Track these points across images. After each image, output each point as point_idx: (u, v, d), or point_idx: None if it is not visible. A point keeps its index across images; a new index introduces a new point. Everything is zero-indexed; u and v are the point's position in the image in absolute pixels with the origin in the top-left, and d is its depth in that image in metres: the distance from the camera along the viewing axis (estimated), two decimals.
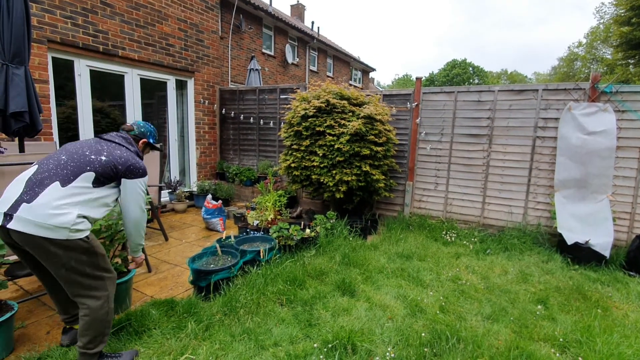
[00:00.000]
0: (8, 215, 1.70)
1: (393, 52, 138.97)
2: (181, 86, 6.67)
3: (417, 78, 5.32)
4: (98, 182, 1.88)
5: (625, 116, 4.04)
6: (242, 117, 6.88)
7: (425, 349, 2.19)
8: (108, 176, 1.91)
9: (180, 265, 3.66)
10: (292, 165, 4.74)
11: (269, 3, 15.36)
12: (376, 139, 4.47)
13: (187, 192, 6.54)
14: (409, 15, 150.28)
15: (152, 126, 2.39)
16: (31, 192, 1.74)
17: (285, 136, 4.97)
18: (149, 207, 3.90)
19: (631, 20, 18.17)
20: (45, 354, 2.10)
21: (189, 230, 4.99)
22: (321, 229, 4.19)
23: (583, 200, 4.14)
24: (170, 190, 6.25)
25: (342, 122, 4.45)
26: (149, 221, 4.30)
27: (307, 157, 4.61)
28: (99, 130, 5.39)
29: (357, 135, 4.37)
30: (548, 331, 2.49)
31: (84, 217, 1.82)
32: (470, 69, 43.49)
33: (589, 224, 3.99)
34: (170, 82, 6.38)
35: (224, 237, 3.63)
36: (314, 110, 4.53)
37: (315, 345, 2.20)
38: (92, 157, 1.90)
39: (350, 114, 4.54)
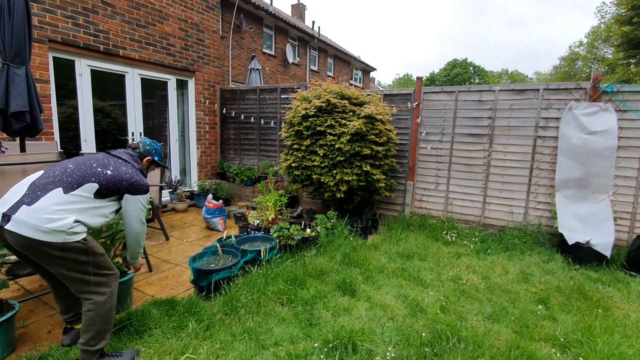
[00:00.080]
0: (6, 216, 1.72)
1: (394, 52, 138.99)
2: (182, 86, 6.68)
3: (417, 78, 5.32)
4: (100, 194, 1.92)
5: (626, 116, 4.03)
6: (242, 117, 6.88)
7: (426, 349, 2.19)
8: (110, 190, 1.96)
9: (181, 265, 3.67)
10: (293, 165, 4.74)
11: (269, 3, 15.35)
12: (377, 139, 4.47)
13: (187, 191, 6.54)
14: (410, 15, 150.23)
15: (158, 144, 2.44)
16: (33, 195, 1.77)
17: (286, 136, 4.97)
18: (150, 206, 3.90)
19: (632, 19, 18.13)
20: (46, 353, 2.10)
21: (190, 230, 4.99)
22: (322, 228, 4.20)
23: (584, 200, 4.13)
24: (171, 190, 6.26)
25: (343, 121, 4.44)
26: (150, 220, 4.31)
27: (308, 157, 4.61)
28: (99, 130, 5.40)
29: (357, 134, 4.37)
30: (549, 331, 2.48)
31: (80, 222, 1.84)
32: (471, 68, 43.43)
33: (590, 223, 3.98)
34: (171, 81, 6.39)
35: (224, 237, 3.63)
36: (315, 110, 4.53)
37: (315, 344, 2.20)
38: (99, 169, 1.95)
39: (351, 113, 4.54)
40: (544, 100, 4.41)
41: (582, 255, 3.81)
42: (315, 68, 17.93)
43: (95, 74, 5.27)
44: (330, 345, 2.17)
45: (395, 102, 5.30)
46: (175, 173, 6.58)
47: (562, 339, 2.37)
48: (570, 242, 3.88)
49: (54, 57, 4.75)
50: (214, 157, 7.30)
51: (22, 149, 3.20)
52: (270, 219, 4.49)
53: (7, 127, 2.98)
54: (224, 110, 7.11)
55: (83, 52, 5.00)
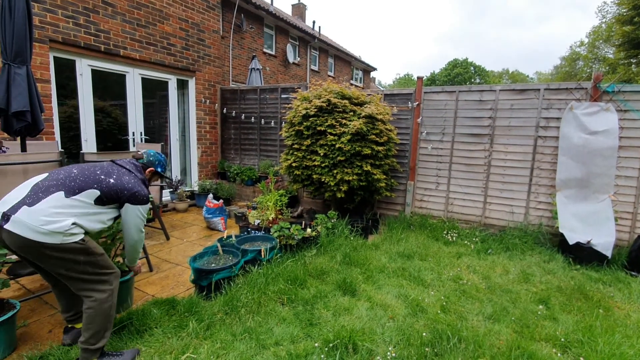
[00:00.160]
0: (6, 216, 1.73)
1: (394, 52, 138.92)
2: (182, 86, 6.68)
3: (418, 77, 5.31)
4: (100, 202, 1.94)
5: (627, 116, 4.02)
6: (243, 117, 6.88)
7: (427, 349, 2.19)
8: (111, 198, 1.98)
9: (181, 265, 3.67)
10: (293, 164, 4.74)
11: (270, 2, 15.35)
12: (377, 139, 4.47)
13: (188, 191, 6.55)
14: (410, 15, 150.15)
15: (162, 155, 2.46)
16: (35, 196, 1.79)
17: (286, 135, 4.97)
18: (151, 206, 3.90)
19: (633, 19, 18.10)
20: (47, 352, 2.10)
21: (190, 230, 5.00)
22: (322, 228, 4.19)
23: (585, 200, 4.13)
24: (171, 190, 6.26)
25: (343, 121, 4.44)
26: (150, 220, 4.31)
27: (308, 157, 4.61)
28: (100, 130, 5.41)
29: (358, 134, 4.37)
30: (549, 331, 2.48)
31: (78, 225, 1.85)
32: (472, 68, 43.40)
33: (591, 223, 3.97)
34: (172, 81, 6.39)
35: (225, 237, 3.64)
36: (315, 110, 4.53)
37: (316, 344, 2.20)
38: (102, 177, 1.98)
39: (352, 113, 4.53)
40: (545, 100, 4.41)
41: (583, 255, 3.81)
42: (315, 68, 17.93)
43: (96, 74, 5.27)
44: (331, 344, 2.17)
45: (396, 102, 5.29)
46: (175, 173, 6.58)
47: (562, 339, 2.36)
48: (571, 242, 3.87)
49: (54, 57, 4.76)
50: (215, 157, 7.30)
51: (23, 148, 3.20)
52: (270, 218, 4.50)
53: (8, 127, 2.99)
54: (225, 110, 7.12)
55: (84, 52, 5.00)
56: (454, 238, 4.55)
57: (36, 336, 2.34)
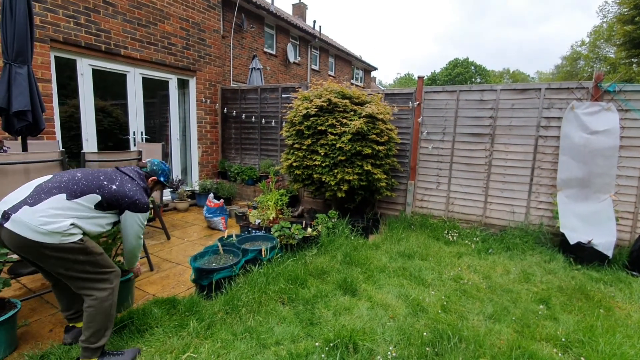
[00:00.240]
0: (7, 214, 1.74)
1: (395, 51, 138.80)
2: (183, 85, 6.68)
3: (419, 77, 5.31)
4: (100, 207, 1.97)
5: (628, 115, 4.02)
6: (244, 116, 6.88)
7: (427, 348, 2.18)
8: (111, 204, 2.00)
9: (182, 264, 3.67)
10: (294, 164, 4.74)
11: (270, 2, 15.34)
12: (378, 138, 4.46)
13: (189, 191, 6.55)
14: (411, 15, 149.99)
15: (166, 165, 2.49)
16: (37, 196, 1.81)
17: (287, 135, 4.97)
18: (152, 206, 3.91)
19: (635, 19, 18.06)
20: (48, 351, 2.11)
21: (191, 229, 5.00)
22: (323, 228, 4.19)
23: (586, 199, 4.12)
24: (172, 189, 6.27)
25: (344, 121, 4.44)
26: (151, 220, 4.32)
27: (309, 156, 4.61)
28: (101, 130, 5.41)
29: (358, 134, 4.37)
30: (550, 331, 2.48)
31: (76, 226, 1.87)
32: (472, 68, 43.34)
33: (592, 223, 3.97)
34: (172, 81, 6.39)
35: (225, 236, 3.64)
36: (316, 110, 4.52)
37: (316, 344, 2.20)
38: (105, 183, 2.01)
39: (352, 113, 4.53)
40: (546, 100, 4.40)
41: (584, 255, 3.80)
42: (316, 67, 17.92)
43: (97, 74, 5.28)
44: (331, 344, 2.17)
45: (397, 102, 5.29)
46: (176, 172, 6.58)
47: (563, 339, 2.36)
48: (572, 241, 3.87)
49: (55, 57, 4.76)
50: (215, 157, 7.30)
51: (24, 148, 3.20)
52: (271, 218, 4.50)
53: (9, 126, 2.99)
54: (225, 110, 7.12)
55: (85, 52, 5.01)
56: (455, 238, 4.55)
57: (37, 335, 2.34)
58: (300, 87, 5.91)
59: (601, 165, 4.02)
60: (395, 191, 5.30)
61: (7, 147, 3.42)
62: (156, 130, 6.50)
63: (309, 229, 3.96)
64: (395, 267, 3.54)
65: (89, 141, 5.22)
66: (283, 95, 6.37)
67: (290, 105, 5.13)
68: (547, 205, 4.48)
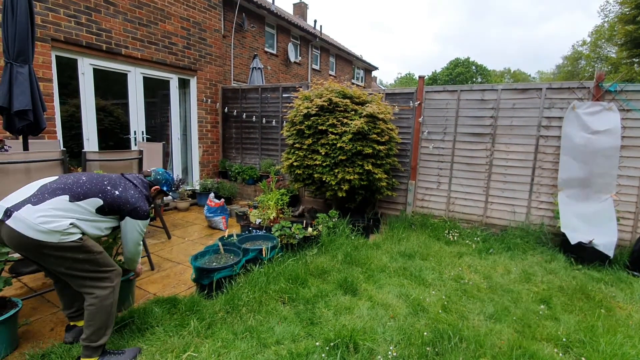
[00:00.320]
0: (9, 211, 1.76)
1: (395, 51, 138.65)
2: (184, 85, 6.69)
3: (419, 77, 5.30)
4: (102, 211, 1.99)
5: (630, 115, 4.01)
6: (244, 116, 6.88)
7: (428, 348, 2.18)
8: (112, 209, 2.02)
9: (182, 263, 3.68)
10: (295, 163, 4.74)
11: (271, 1, 15.34)
12: (379, 138, 4.46)
13: (189, 190, 6.56)
14: (412, 14, 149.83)
15: (170, 175, 2.53)
16: (40, 196, 1.83)
17: (287, 135, 4.97)
18: (152, 205, 3.91)
19: (636, 18, 18.01)
20: (49, 350, 2.11)
21: (192, 229, 5.00)
22: (323, 227, 4.19)
23: (587, 199, 4.11)
24: (173, 189, 6.26)
25: (345, 120, 4.44)
26: (152, 219, 4.32)
27: (310, 156, 4.61)
28: (102, 129, 5.42)
29: (359, 134, 4.37)
30: (551, 331, 2.48)
31: (76, 226, 1.88)
32: (473, 67, 43.29)
33: (593, 223, 3.96)
34: (173, 80, 6.39)
35: (226, 236, 3.64)
36: (317, 109, 4.52)
37: (317, 343, 2.20)
38: (108, 188, 2.03)
39: (353, 112, 4.53)
40: (547, 100, 4.39)
41: (585, 255, 3.79)
42: (317, 67, 17.91)
43: (98, 73, 5.28)
44: (332, 344, 2.17)
45: (397, 101, 5.29)
46: (177, 172, 6.59)
47: (564, 339, 2.36)
48: (573, 241, 3.86)
49: (56, 56, 4.76)
50: (216, 156, 7.31)
51: (25, 147, 3.21)
52: (272, 217, 4.50)
53: (10, 126, 2.99)
54: (226, 109, 7.12)
55: (85, 51, 5.01)
56: (455, 237, 4.55)
57: (38, 334, 2.34)
58: (301, 87, 5.91)
59: (602, 165, 4.01)
60: (395, 191, 5.30)
61: (9, 146, 3.42)
62: (157, 129, 6.51)
63: (310, 229, 3.96)
64: (396, 267, 3.54)
65: (90, 140, 5.23)
66: (284, 95, 6.37)
67: (291, 104, 5.13)
68: (548, 205, 4.47)
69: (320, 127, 4.49)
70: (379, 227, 5.02)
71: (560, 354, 2.23)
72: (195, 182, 6.83)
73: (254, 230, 4.10)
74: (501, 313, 2.71)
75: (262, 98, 6.68)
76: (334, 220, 4.46)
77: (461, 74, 41.88)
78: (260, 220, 4.51)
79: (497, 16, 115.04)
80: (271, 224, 4.36)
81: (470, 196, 4.93)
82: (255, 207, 4.86)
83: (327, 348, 2.15)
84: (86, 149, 5.13)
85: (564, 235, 4.00)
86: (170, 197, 6.28)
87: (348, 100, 4.59)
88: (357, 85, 21.40)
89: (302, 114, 4.63)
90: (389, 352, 2.15)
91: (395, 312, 2.68)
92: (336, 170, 4.42)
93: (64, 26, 4.70)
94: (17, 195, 1.85)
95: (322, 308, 2.67)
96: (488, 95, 4.71)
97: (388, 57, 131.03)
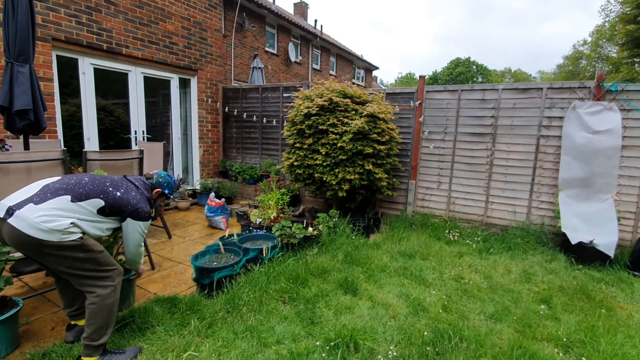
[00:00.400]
0: (11, 210, 1.77)
1: (396, 51, 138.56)
2: (184, 84, 6.69)
3: (420, 76, 5.30)
4: (103, 212, 1.99)
5: (631, 115, 4.00)
6: (245, 116, 6.88)
7: (428, 348, 2.18)
8: (114, 210, 2.03)
9: (183, 263, 3.68)
10: (295, 163, 4.74)
11: (272, 1, 15.33)
12: (379, 138, 4.46)
13: (190, 190, 6.56)
14: (412, 14, 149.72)
15: (172, 178, 2.52)
16: (42, 195, 1.84)
17: (288, 134, 4.97)
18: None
19: (637, 18, 18.00)
20: (50, 349, 2.11)
21: (192, 228, 5.01)
22: (324, 227, 4.19)
23: (587, 199, 4.11)
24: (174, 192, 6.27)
25: (345, 120, 4.44)
26: (152, 219, 4.32)
27: (310, 156, 4.61)
28: (102, 129, 5.42)
29: (360, 133, 4.37)
30: (551, 331, 2.48)
31: (76, 225, 1.89)
32: (474, 67, 43.26)
33: (593, 223, 3.96)
34: (174, 80, 6.40)
35: (226, 235, 3.64)
36: (317, 109, 4.52)
37: (317, 343, 2.20)
38: (110, 189, 2.04)
39: (353, 112, 4.53)
40: (548, 100, 4.39)
41: (585, 255, 3.79)
42: (317, 67, 17.91)
43: (98, 73, 5.28)
44: (332, 343, 2.17)
45: (398, 101, 5.28)
46: (177, 171, 6.59)
47: (564, 339, 2.36)
48: (574, 241, 3.86)
49: (57, 56, 4.77)
50: (217, 156, 7.31)
51: (26, 146, 3.21)
52: (272, 217, 4.50)
53: (11, 125, 3.00)
54: (227, 109, 7.12)
55: (86, 51, 5.01)
56: (456, 237, 4.55)
57: (39, 333, 2.35)
58: (301, 87, 5.91)
59: (603, 165, 4.01)
60: (396, 190, 5.30)
61: (9, 146, 3.42)
62: (157, 129, 6.51)
63: (310, 228, 3.96)
64: (396, 267, 3.54)
65: (91, 140, 5.23)
66: (284, 95, 6.37)
67: (292, 104, 5.13)
68: (549, 205, 4.47)
69: (320, 127, 4.49)
70: (380, 227, 5.02)
71: (561, 354, 2.23)
72: (196, 181, 6.83)
73: (255, 230, 4.10)
74: (501, 313, 2.71)
75: (262, 98, 6.68)
76: (334, 220, 4.46)
77: (462, 73, 41.84)
78: (260, 219, 4.51)
79: (498, 16, 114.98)
80: (272, 223, 4.36)
81: (471, 196, 4.93)
82: (256, 207, 4.86)
83: (328, 348, 2.15)
84: (87, 148, 5.14)
85: (564, 235, 4.00)
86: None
87: (349, 100, 4.59)
88: (358, 85, 21.39)
89: (302, 113, 4.63)
90: (390, 352, 2.15)
91: (396, 312, 2.68)
92: (337, 170, 4.42)
93: (65, 26, 4.70)
94: (19, 194, 1.86)
95: (322, 308, 2.67)
96: (489, 95, 4.71)
97: (388, 57, 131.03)
